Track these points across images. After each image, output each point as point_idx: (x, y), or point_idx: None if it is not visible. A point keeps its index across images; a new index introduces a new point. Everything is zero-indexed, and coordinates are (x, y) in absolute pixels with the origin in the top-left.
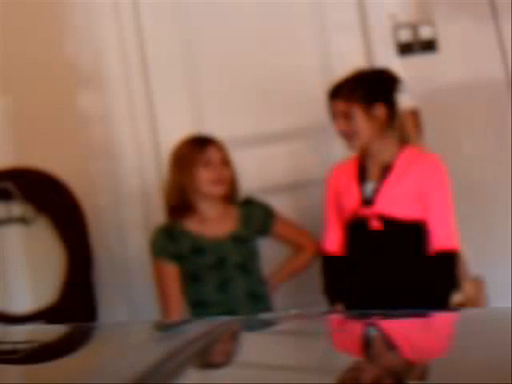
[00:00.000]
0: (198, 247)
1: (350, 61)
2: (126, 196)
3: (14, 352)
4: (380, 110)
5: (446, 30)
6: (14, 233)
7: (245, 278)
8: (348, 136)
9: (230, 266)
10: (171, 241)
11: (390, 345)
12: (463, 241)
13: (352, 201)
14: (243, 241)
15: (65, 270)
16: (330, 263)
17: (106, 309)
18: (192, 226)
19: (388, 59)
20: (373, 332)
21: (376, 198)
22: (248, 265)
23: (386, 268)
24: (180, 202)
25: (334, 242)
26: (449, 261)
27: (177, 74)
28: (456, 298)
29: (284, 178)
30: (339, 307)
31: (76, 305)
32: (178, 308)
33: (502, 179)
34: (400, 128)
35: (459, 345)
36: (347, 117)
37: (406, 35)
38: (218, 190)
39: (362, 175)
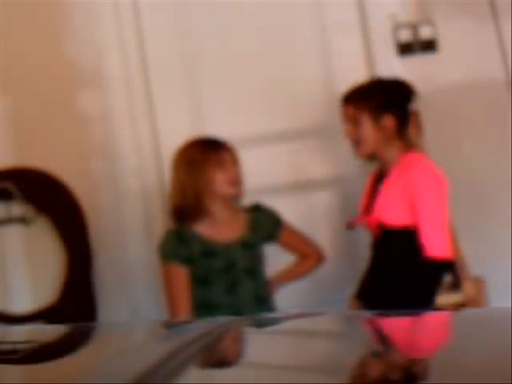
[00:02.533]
0: (210, 251)
1: (349, 61)
2: (126, 196)
3: (14, 352)
4: (388, 121)
5: (446, 30)
6: (14, 233)
7: (252, 282)
8: (354, 142)
9: (238, 270)
10: (182, 244)
11: (389, 344)
12: (463, 241)
13: (360, 209)
14: (251, 246)
15: (65, 270)
16: None
17: (106, 309)
18: (202, 229)
19: (388, 59)
20: (374, 330)
21: (375, 206)
22: (255, 269)
23: (381, 271)
24: (191, 204)
25: None
26: (434, 270)
27: (177, 74)
28: (456, 297)
29: (284, 178)
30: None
31: (76, 305)
32: (186, 311)
33: (502, 179)
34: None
35: (459, 344)
36: (355, 123)
37: (405, 35)
38: (233, 190)
39: (377, 184)
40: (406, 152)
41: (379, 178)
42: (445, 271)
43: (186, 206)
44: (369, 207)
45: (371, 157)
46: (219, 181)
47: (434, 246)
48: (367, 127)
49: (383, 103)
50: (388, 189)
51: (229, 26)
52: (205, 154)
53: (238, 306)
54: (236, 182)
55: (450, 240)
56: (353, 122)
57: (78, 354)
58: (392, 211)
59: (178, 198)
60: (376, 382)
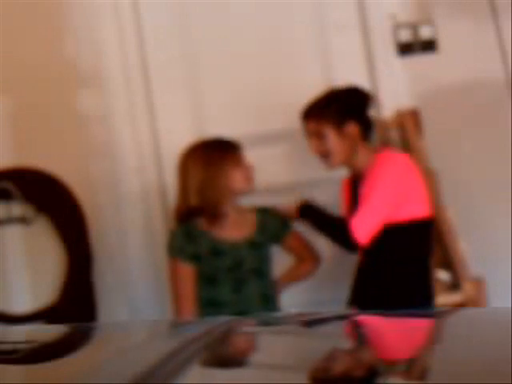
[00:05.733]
0: (218, 249)
1: (349, 61)
2: (125, 196)
3: (13, 352)
4: (351, 128)
5: (446, 30)
6: (14, 233)
7: (258, 281)
8: (323, 155)
9: (245, 270)
10: (190, 241)
11: (388, 344)
12: (463, 241)
13: (348, 214)
14: (258, 246)
15: (65, 270)
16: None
17: (106, 309)
18: (210, 227)
19: (388, 59)
20: (372, 331)
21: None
22: (262, 269)
23: (374, 274)
24: (211, 204)
25: None
26: (344, 240)
27: (177, 74)
28: (456, 297)
29: (284, 178)
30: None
31: (76, 305)
32: (191, 308)
33: (502, 179)
34: (381, 136)
35: (459, 345)
36: (319, 137)
37: (405, 35)
38: (249, 186)
39: (354, 189)
40: (375, 153)
41: (354, 184)
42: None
43: (205, 207)
44: (352, 214)
45: (344, 165)
46: (238, 178)
47: (358, 226)
48: (332, 138)
49: (343, 112)
50: (365, 193)
51: (229, 26)
52: (222, 154)
53: (244, 305)
54: (251, 177)
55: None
56: (317, 137)
57: (78, 353)
58: None
59: (196, 198)
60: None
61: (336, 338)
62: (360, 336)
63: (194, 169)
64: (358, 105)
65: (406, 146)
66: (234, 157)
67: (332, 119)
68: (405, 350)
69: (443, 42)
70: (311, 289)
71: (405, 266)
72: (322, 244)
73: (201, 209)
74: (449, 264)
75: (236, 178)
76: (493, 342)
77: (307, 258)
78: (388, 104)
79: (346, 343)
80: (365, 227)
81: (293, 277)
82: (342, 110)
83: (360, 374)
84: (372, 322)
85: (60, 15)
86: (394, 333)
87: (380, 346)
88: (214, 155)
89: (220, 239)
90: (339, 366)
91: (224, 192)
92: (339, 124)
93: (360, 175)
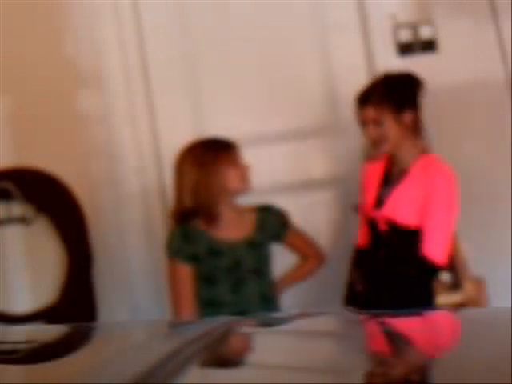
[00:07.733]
0: (216, 250)
1: (350, 61)
2: (126, 196)
3: (13, 352)
4: (408, 117)
5: (446, 30)
6: (14, 233)
7: (257, 281)
8: (377, 142)
9: (244, 269)
10: (188, 242)
11: (389, 345)
12: (463, 241)
13: (369, 200)
14: (257, 246)
15: (65, 270)
16: (355, 256)
17: (106, 309)
18: (208, 228)
19: (388, 59)
20: (375, 332)
21: (386, 201)
22: (261, 268)
23: (387, 265)
24: (205, 204)
25: (361, 235)
26: (428, 270)
27: (177, 74)
28: (456, 298)
29: (284, 177)
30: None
31: (76, 305)
32: (190, 309)
33: (502, 179)
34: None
35: (459, 345)
36: (377, 123)
37: (406, 35)
38: (245, 185)
39: (386, 177)
40: (423, 151)
41: (389, 172)
42: (439, 272)
43: (200, 207)
44: (379, 200)
45: (390, 153)
46: (232, 178)
47: (433, 248)
48: (390, 126)
49: (402, 99)
50: (406, 187)
51: (229, 26)
52: (217, 154)
53: (242, 305)
54: (247, 177)
55: (450, 247)
56: (374, 123)
57: (78, 353)
58: (407, 210)
59: (191, 199)
60: (379, 382)
61: (335, 337)
62: (359, 336)
63: (189, 169)
64: (415, 93)
65: None
66: (228, 156)
67: (392, 107)
68: (403, 350)
69: (443, 42)
70: (311, 289)
71: (405, 265)
72: (322, 244)
73: (196, 209)
74: (449, 264)
75: (231, 178)
76: (493, 341)
77: (311, 255)
78: None
79: (345, 343)
80: (438, 248)
81: (297, 276)
82: (401, 97)
83: (358, 373)
84: (372, 322)
85: (60, 15)
86: (393, 333)
87: (380, 346)
88: (208, 155)
89: (218, 239)
90: (337, 366)
91: (218, 192)
92: (398, 112)
93: (398, 166)
